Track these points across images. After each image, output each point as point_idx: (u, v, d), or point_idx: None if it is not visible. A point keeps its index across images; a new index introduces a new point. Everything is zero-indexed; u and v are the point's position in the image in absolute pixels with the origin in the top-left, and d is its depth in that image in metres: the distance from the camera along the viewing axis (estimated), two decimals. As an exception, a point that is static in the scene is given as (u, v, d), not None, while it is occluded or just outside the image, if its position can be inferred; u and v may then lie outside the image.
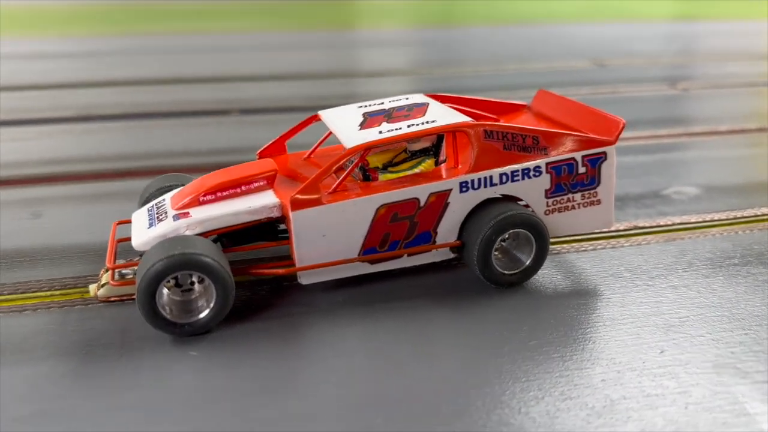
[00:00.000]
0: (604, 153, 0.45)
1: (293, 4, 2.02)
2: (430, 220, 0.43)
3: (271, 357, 0.38)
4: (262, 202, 0.42)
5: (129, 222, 0.45)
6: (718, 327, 0.40)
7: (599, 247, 0.50)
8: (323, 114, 0.48)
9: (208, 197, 0.42)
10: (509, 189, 0.44)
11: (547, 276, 0.46)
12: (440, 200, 0.43)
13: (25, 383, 0.35)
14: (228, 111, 0.86)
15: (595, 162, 0.45)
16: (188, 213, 0.41)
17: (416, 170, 0.44)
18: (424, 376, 0.36)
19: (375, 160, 0.44)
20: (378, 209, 0.42)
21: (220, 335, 0.39)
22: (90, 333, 0.40)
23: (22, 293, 0.44)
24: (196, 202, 0.42)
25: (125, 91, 0.96)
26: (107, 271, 0.43)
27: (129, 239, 0.42)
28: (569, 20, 1.75)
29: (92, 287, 0.43)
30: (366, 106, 0.48)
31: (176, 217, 0.41)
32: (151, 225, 0.42)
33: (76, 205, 0.58)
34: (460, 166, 0.44)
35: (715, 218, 0.55)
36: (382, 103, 0.48)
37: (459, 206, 0.43)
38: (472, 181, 0.43)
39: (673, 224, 0.54)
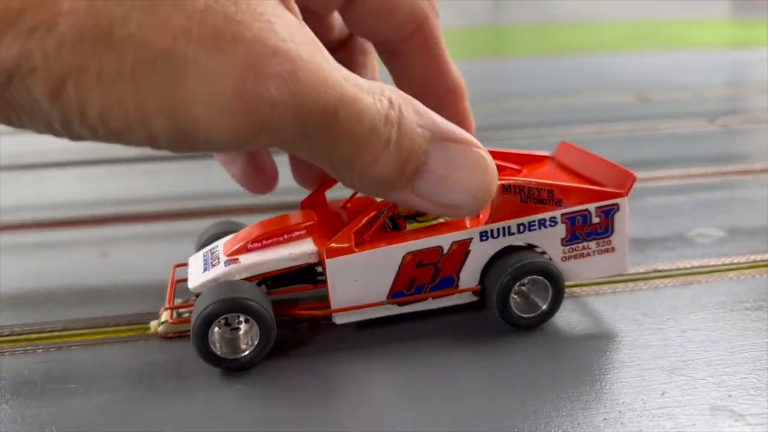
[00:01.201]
0: (617, 204, 0.49)
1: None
2: (453, 266, 0.47)
3: (308, 390, 0.42)
4: (301, 249, 0.47)
5: (186, 264, 0.50)
6: (720, 370, 0.43)
7: (617, 290, 0.53)
8: None
9: (255, 245, 0.47)
10: (527, 238, 0.48)
11: (565, 318, 0.49)
12: (462, 248, 0.47)
13: (97, 409, 0.41)
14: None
15: (608, 212, 0.49)
16: (238, 259, 0.47)
17: (441, 220, 0.48)
18: (444, 409, 0.40)
19: (404, 210, 0.49)
20: (404, 256, 0.46)
21: (263, 369, 0.44)
22: (150, 365, 0.45)
23: (92, 328, 0.50)
24: (245, 249, 0.47)
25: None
26: (166, 310, 0.48)
27: (186, 280, 0.48)
28: (615, 50, 1.77)
29: (153, 324, 0.49)
30: None
31: (227, 263, 0.47)
32: (205, 269, 0.47)
33: (140, 245, 0.64)
34: (480, 216, 0.48)
35: (735, 261, 0.57)
36: None
37: (479, 254, 0.47)
38: (492, 230, 0.47)
39: (692, 267, 0.57)
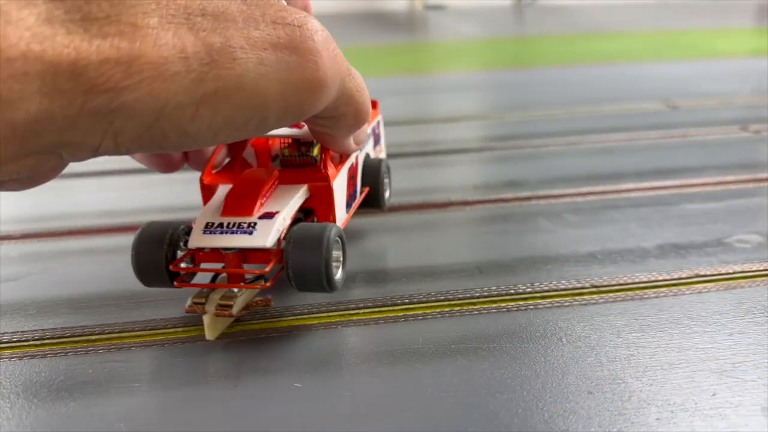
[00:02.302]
0: None
1: (357, 50, 2.11)
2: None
3: (365, 387, 0.43)
4: (300, 190, 0.52)
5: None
6: (769, 372, 0.44)
7: (661, 294, 0.54)
8: None
9: (264, 198, 0.50)
10: None
11: (611, 321, 0.50)
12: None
13: (161, 407, 0.42)
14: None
15: None
16: (277, 211, 0.49)
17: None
18: (490, 413, 0.41)
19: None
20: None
21: (320, 368, 0.46)
22: (209, 365, 0.47)
23: (150, 330, 0.51)
24: (261, 205, 0.49)
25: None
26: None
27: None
28: (640, 59, 1.77)
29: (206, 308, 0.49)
30: None
31: (266, 217, 0.48)
32: (250, 232, 0.47)
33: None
34: None
35: (776, 267, 0.58)
36: None
37: None
38: None
39: (734, 272, 0.57)
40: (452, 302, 0.54)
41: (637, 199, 0.76)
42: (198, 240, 0.48)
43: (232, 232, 0.47)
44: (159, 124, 0.34)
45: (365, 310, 0.53)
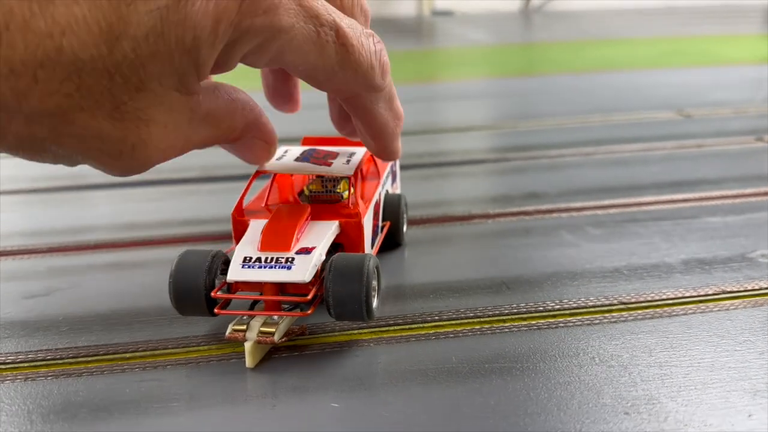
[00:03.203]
0: None
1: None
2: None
3: (402, 407, 0.44)
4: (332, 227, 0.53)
5: None
6: (803, 393, 0.44)
7: (689, 311, 0.55)
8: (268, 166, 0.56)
9: (299, 234, 0.51)
10: None
11: (642, 340, 0.51)
12: None
13: (202, 427, 0.43)
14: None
15: None
16: (313, 247, 0.50)
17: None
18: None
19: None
20: None
21: (356, 386, 0.46)
22: (246, 384, 0.47)
23: (184, 347, 0.52)
24: (298, 240, 0.51)
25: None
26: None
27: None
28: (650, 67, 1.77)
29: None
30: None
31: (306, 252, 0.50)
32: (288, 267, 0.49)
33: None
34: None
35: (802, 283, 0.58)
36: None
37: None
38: None
39: (761, 288, 0.58)
40: (482, 319, 0.54)
41: (658, 212, 0.76)
42: (237, 274, 0.49)
43: (271, 267, 0.49)
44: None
45: (395, 328, 0.54)
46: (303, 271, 0.48)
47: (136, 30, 0.36)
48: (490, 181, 0.93)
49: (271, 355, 0.50)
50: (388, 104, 0.51)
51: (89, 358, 0.51)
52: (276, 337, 0.48)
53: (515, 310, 0.56)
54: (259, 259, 0.49)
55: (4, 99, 0.36)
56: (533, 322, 0.54)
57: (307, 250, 0.50)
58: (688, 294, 0.57)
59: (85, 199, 0.86)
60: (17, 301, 0.59)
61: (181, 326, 0.55)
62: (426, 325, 0.54)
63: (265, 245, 0.50)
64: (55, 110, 0.37)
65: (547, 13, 3.27)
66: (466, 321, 0.54)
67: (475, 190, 0.88)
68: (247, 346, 0.48)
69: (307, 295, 0.49)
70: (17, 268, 0.65)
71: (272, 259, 0.49)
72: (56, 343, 0.53)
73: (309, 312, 0.49)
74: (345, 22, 0.45)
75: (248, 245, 0.51)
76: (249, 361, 0.49)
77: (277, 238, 0.51)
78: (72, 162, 0.40)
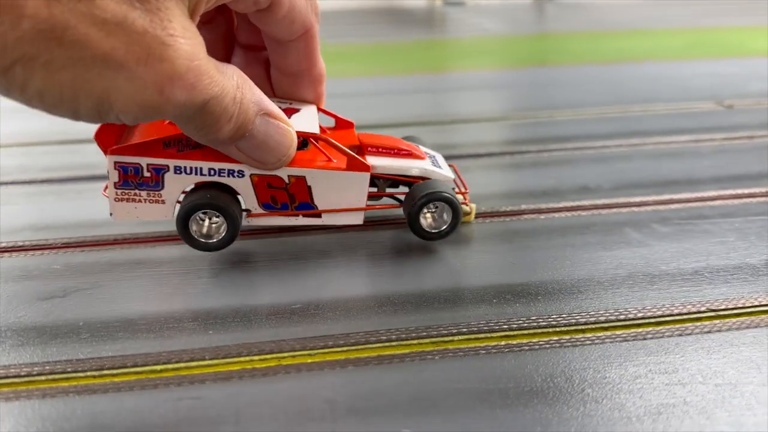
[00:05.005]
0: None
1: (374, 47, 2.05)
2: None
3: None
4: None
5: None
6: None
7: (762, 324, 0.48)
8: None
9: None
10: None
11: (745, 353, 0.44)
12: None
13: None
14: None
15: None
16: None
17: None
18: None
19: None
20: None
21: (428, 411, 0.40)
22: (299, 405, 0.41)
23: (223, 358, 0.46)
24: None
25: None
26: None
27: None
28: (677, 58, 1.71)
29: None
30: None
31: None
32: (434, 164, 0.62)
33: (247, 265, 0.59)
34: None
35: None
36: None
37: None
38: None
39: None
40: (557, 329, 0.48)
41: (725, 208, 0.70)
42: None
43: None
44: None
45: (459, 338, 0.47)
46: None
47: None
48: (534, 173, 0.86)
49: (322, 366, 0.44)
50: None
51: (115, 371, 0.45)
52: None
53: (592, 319, 0.49)
54: None
55: None
56: (616, 332, 0.48)
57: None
58: (784, 300, 0.51)
59: (100, 191, 0.80)
60: (32, 303, 0.53)
61: (217, 333, 0.48)
62: (494, 335, 0.48)
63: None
64: None
65: (560, 3, 3.20)
66: (539, 331, 0.48)
67: (520, 182, 0.82)
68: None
69: None
70: (31, 265, 0.59)
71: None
72: (77, 353, 0.47)
73: None
74: None
75: None
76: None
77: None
78: (88, 83, 0.39)
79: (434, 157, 0.65)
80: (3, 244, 0.63)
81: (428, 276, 0.56)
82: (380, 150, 0.60)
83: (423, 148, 0.65)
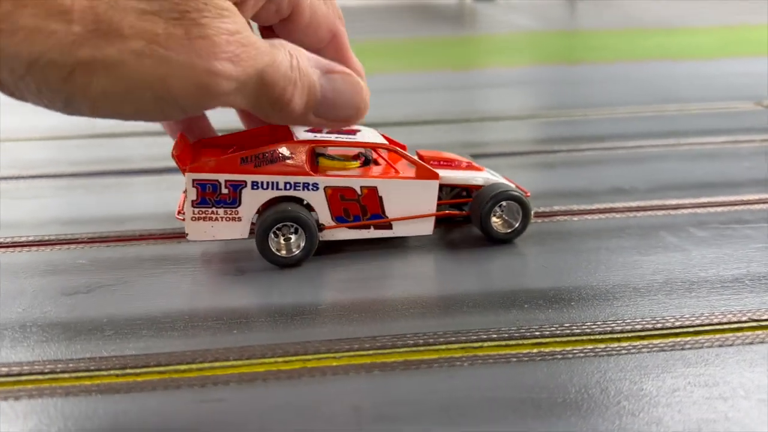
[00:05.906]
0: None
1: (404, 43, 2.03)
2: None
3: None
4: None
5: None
6: None
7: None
8: None
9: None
10: None
11: (738, 373, 0.43)
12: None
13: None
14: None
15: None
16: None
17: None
18: None
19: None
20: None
21: (457, 421, 0.39)
22: (324, 409, 0.40)
23: (246, 359, 0.45)
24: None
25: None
26: None
27: None
28: (713, 56, 1.67)
29: None
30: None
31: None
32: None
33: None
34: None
35: None
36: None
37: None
38: None
39: None
40: (591, 337, 0.47)
41: (766, 212, 0.68)
42: None
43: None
44: (30, 77, 0.36)
45: (489, 344, 0.46)
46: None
47: None
48: (565, 173, 0.84)
49: (347, 370, 0.43)
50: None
51: (138, 370, 0.44)
52: None
53: (629, 327, 0.48)
54: None
55: None
56: (653, 342, 0.46)
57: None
58: (830, 311, 0.49)
59: (128, 185, 0.79)
60: (56, 299, 0.52)
61: (242, 332, 0.48)
62: (525, 341, 0.46)
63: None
64: None
65: (592, 0, 3.16)
66: (573, 339, 0.46)
67: (551, 183, 0.80)
68: None
69: None
70: (57, 260, 0.59)
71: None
72: (100, 350, 0.46)
73: None
74: None
75: None
76: None
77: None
78: (145, 74, 0.39)
79: (489, 170, 0.66)
80: (30, 238, 0.63)
81: (457, 278, 0.55)
82: (441, 163, 0.62)
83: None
